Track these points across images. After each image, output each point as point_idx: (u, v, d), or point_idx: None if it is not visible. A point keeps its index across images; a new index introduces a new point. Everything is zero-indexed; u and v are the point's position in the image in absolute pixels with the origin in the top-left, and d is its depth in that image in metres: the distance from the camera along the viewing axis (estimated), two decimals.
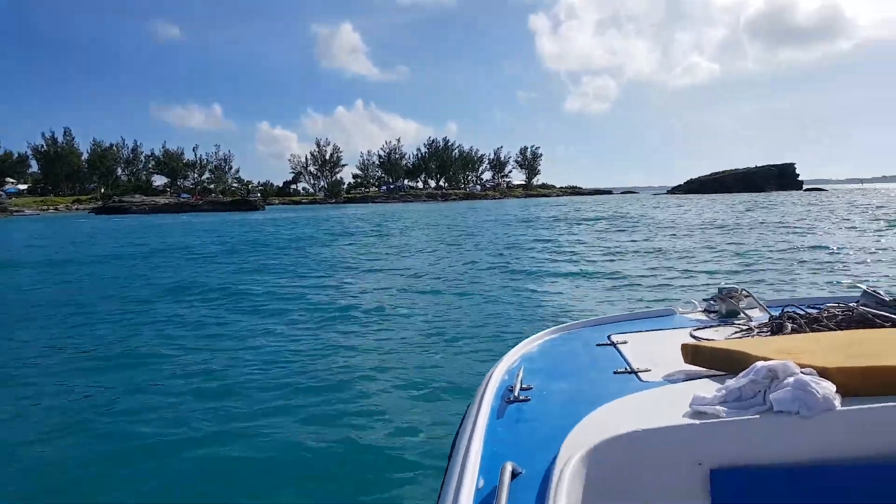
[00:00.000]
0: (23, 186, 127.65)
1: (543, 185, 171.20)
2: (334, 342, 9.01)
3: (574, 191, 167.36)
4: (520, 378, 2.30)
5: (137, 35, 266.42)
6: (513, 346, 2.89)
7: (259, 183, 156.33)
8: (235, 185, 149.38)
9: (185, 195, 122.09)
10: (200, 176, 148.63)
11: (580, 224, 38.34)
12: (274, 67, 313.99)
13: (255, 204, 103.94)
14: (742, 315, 3.10)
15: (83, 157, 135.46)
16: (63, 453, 5.41)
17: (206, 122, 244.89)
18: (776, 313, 2.88)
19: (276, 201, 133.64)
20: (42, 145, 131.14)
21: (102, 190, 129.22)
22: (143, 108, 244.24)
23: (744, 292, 3.19)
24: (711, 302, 3.28)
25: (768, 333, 2.65)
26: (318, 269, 18.69)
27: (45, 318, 11.64)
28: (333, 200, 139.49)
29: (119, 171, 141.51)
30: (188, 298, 13.47)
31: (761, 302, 3.23)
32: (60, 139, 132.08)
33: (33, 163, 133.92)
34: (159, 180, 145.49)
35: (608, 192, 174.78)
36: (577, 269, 16.17)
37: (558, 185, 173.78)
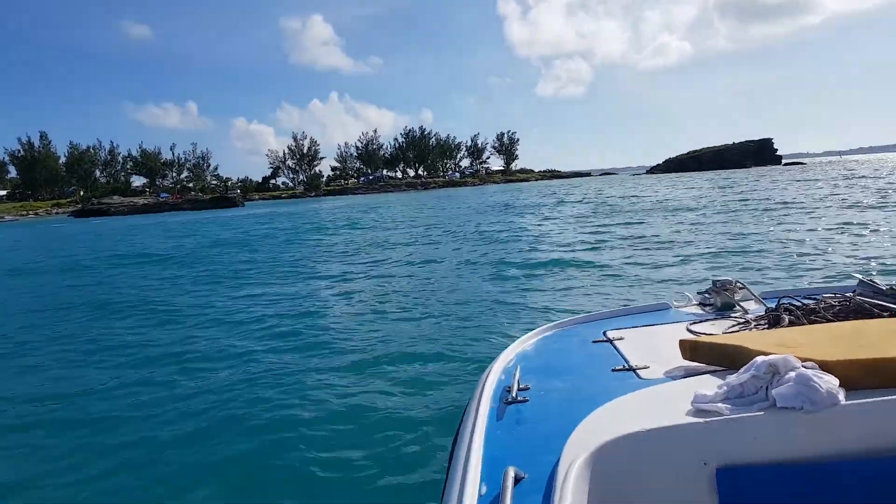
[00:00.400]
0: (2, 192, 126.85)
1: (522, 170, 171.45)
2: (311, 346, 8.52)
3: (553, 174, 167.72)
4: (517, 378, 2.26)
5: (107, 36, 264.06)
6: (507, 345, 2.85)
7: (238, 179, 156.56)
8: (214, 182, 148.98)
9: (164, 195, 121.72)
10: (179, 175, 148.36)
11: (562, 210, 37.94)
12: (247, 63, 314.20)
13: (235, 200, 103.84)
14: (738, 308, 3.07)
15: (61, 161, 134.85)
16: None
17: (182, 120, 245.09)
18: (772, 305, 2.86)
19: (256, 197, 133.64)
20: (19, 150, 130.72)
21: (81, 193, 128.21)
22: (117, 109, 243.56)
23: (738, 284, 3.15)
24: (706, 295, 3.24)
25: (766, 326, 2.62)
26: (292, 269, 17.86)
27: None
28: (313, 193, 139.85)
29: (97, 173, 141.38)
30: (146, 310, 12.38)
31: (756, 294, 3.20)
32: (37, 144, 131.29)
33: (11, 168, 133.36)
34: (138, 181, 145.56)
35: (587, 174, 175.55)
36: (564, 259, 15.84)
37: (537, 170, 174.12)
